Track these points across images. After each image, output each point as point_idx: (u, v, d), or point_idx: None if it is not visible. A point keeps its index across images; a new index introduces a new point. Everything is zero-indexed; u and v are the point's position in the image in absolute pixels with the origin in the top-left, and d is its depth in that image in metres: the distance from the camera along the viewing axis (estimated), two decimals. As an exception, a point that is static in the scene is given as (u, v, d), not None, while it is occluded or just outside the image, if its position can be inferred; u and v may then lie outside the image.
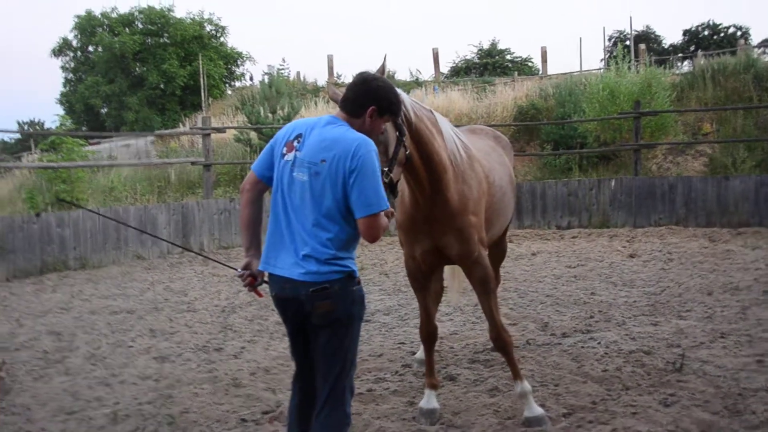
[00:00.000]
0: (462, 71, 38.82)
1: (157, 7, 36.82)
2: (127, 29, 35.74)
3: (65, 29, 58.16)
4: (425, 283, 4.63)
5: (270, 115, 16.51)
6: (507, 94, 21.30)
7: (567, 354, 5.68)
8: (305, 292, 3.10)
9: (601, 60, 36.44)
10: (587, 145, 17.34)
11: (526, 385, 4.42)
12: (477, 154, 4.63)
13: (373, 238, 3.15)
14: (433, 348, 4.70)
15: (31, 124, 62.06)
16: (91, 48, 38.16)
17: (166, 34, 36.12)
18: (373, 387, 5.08)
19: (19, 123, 57.46)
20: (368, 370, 5.51)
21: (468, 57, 40.94)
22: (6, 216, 11.63)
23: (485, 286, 4.41)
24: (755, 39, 39.43)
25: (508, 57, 40.23)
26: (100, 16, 36.92)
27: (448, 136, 4.23)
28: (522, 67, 37.52)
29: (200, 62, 25.40)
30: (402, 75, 31.38)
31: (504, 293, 8.15)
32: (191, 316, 7.71)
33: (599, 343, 5.94)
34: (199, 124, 15.39)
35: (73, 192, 14.44)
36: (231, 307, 7.99)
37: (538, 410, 4.31)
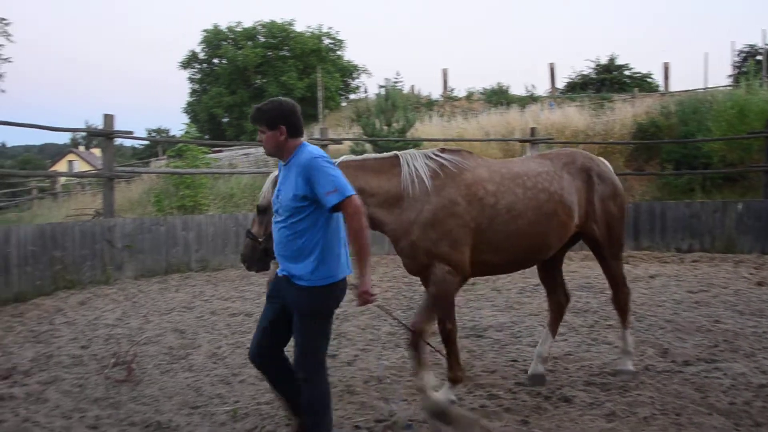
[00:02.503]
0: (578, 87, 37.98)
1: (279, 21, 38.20)
2: (249, 42, 37.27)
3: (194, 43, 60.99)
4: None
5: (385, 127, 16.73)
6: (626, 111, 20.69)
7: (689, 383, 5.43)
8: None
9: (729, 76, 34.67)
10: (712, 165, 16.58)
11: None
12: (474, 178, 4.92)
13: None
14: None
15: (158, 131, 65.73)
16: (216, 60, 40.00)
17: (286, 48, 37.42)
18: (486, 403, 5.04)
19: (147, 130, 61.01)
20: (481, 385, 5.48)
21: (585, 72, 40.01)
22: (137, 218, 12.35)
23: (433, 301, 4.80)
24: None
25: (627, 72, 39.01)
26: (225, 30, 38.72)
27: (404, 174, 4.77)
28: (641, 83, 36.28)
29: (318, 75, 26.08)
30: (516, 90, 31.03)
31: (621, 316, 7.91)
32: (306, 321, 7.89)
33: (725, 374, 5.65)
34: (316, 135, 15.79)
35: (197, 197, 15.16)
36: (344, 316, 8.12)
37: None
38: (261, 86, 37.10)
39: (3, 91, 21.50)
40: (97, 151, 75.53)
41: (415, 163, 4.82)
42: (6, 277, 8.81)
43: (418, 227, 4.69)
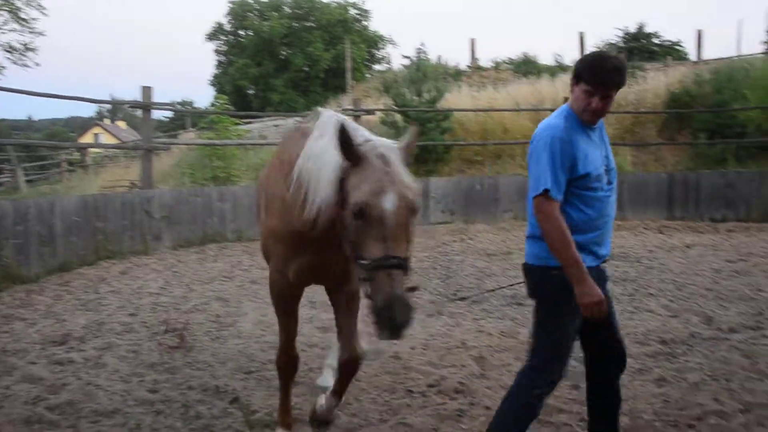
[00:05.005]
0: (606, 56, 37.34)
1: (304, -9, 38.10)
2: (275, 13, 37.18)
3: (220, 14, 61.01)
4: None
5: (416, 98, 16.66)
6: (659, 80, 20.36)
7: (737, 350, 5.45)
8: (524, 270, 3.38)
9: (764, 43, 33.85)
10: (747, 134, 16.33)
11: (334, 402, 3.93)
12: None
13: (537, 221, 3.14)
14: (292, 380, 4.17)
15: (183, 103, 66.01)
16: (242, 32, 39.99)
17: (312, 18, 37.29)
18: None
19: (172, 102, 61.30)
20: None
21: (612, 41, 39.30)
22: (174, 189, 12.50)
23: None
24: None
25: (656, 41, 38.25)
26: (251, 1, 38.65)
27: None
28: (671, 52, 35.55)
29: (347, 45, 26.02)
30: (544, 59, 30.62)
31: (661, 284, 7.94)
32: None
33: (772, 341, 5.66)
34: (347, 106, 15.79)
35: (229, 169, 15.26)
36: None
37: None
38: (287, 57, 37.10)
39: (38, 64, 21.56)
40: (122, 124, 76.32)
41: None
42: (52, 247, 8.99)
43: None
